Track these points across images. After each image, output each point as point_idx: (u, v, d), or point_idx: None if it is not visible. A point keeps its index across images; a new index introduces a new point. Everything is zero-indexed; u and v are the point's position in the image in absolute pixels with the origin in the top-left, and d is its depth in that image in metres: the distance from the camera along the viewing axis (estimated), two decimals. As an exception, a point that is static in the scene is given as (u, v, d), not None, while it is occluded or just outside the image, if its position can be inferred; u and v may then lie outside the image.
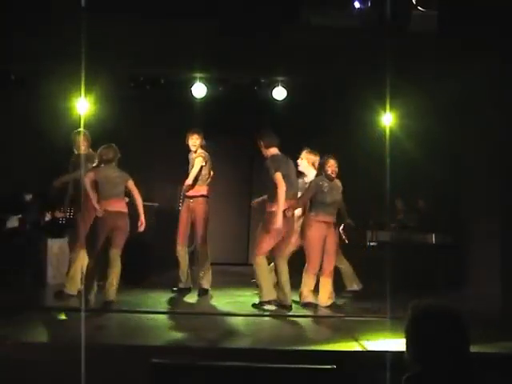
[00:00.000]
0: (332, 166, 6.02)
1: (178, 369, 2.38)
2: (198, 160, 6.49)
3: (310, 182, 6.07)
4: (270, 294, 5.73)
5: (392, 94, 7.66)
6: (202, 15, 6.08)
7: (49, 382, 3.68)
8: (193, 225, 6.57)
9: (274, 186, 5.60)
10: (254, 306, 5.77)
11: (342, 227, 8.32)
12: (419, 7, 5.08)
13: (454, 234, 7.54)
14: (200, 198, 6.54)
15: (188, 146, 6.61)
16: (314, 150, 6.49)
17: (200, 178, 6.53)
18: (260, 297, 5.76)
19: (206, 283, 6.48)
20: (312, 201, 5.96)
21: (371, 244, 8.09)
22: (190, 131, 6.61)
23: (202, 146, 6.59)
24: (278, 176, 5.59)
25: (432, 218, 7.67)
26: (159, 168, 8.37)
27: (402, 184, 8.16)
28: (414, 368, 1.87)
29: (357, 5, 5.34)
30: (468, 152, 7.50)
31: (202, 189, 6.56)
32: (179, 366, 2.40)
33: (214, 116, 6.94)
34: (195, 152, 6.58)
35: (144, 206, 8.03)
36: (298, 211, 6.08)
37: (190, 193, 6.57)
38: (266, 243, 5.73)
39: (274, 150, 5.85)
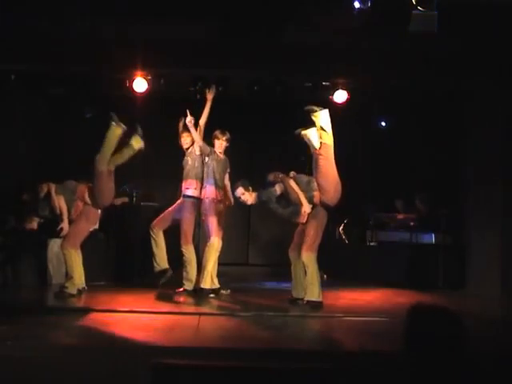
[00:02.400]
0: (275, 176, 6.10)
1: (177, 369, 2.38)
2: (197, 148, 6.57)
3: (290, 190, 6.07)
4: (319, 295, 5.82)
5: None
6: (202, 15, 6.07)
7: (49, 382, 3.67)
8: (178, 220, 6.56)
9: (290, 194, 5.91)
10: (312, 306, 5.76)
11: (341, 227, 8.35)
12: (419, 7, 5.06)
13: (454, 234, 7.55)
14: (185, 198, 6.55)
15: (181, 145, 6.69)
16: None
17: (190, 173, 6.55)
18: (313, 296, 5.78)
19: (188, 284, 6.45)
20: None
21: (371, 244, 8.09)
22: (181, 129, 6.70)
23: (193, 144, 6.63)
24: (279, 187, 5.96)
25: (432, 218, 7.67)
26: (159, 168, 8.37)
27: (402, 184, 8.20)
28: (412, 368, 1.88)
29: (357, 5, 5.32)
30: (468, 152, 7.52)
31: (187, 185, 6.55)
32: (179, 366, 2.40)
33: (214, 115, 6.93)
34: (187, 150, 6.65)
35: (144, 206, 8.10)
36: None
37: (182, 190, 6.59)
38: (320, 238, 5.86)
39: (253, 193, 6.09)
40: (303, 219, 5.92)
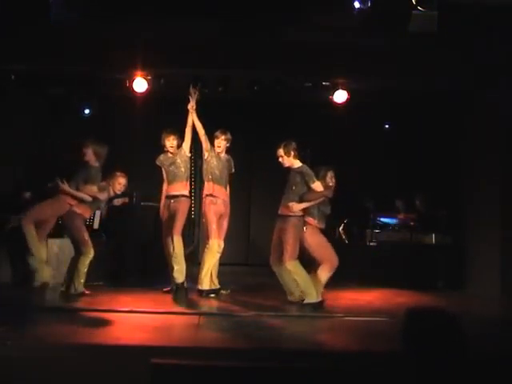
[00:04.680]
0: (333, 178, 6.09)
1: (177, 369, 2.38)
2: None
3: (317, 192, 6.02)
4: (317, 295, 5.85)
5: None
6: (202, 15, 6.07)
7: (49, 382, 3.67)
8: (171, 220, 6.46)
9: (311, 193, 5.86)
10: (310, 307, 5.77)
11: (341, 227, 8.35)
12: (419, 7, 5.07)
13: (454, 234, 7.54)
14: (182, 198, 6.50)
15: (165, 146, 6.55)
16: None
17: (184, 175, 6.52)
18: (313, 299, 5.81)
19: (180, 277, 6.31)
20: (312, 209, 6.00)
21: (371, 244, 8.09)
22: (167, 131, 6.54)
23: (179, 147, 6.54)
24: (319, 184, 5.87)
25: (432, 218, 7.67)
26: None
27: (402, 184, 8.20)
28: (411, 369, 1.88)
29: (357, 5, 5.32)
30: (468, 152, 7.52)
31: (182, 187, 6.52)
32: (179, 366, 2.40)
33: (214, 116, 6.93)
34: (172, 153, 6.54)
35: (144, 206, 8.10)
36: None
37: (171, 192, 6.51)
38: (297, 246, 5.86)
39: (298, 161, 6.01)
40: (291, 208, 5.86)
